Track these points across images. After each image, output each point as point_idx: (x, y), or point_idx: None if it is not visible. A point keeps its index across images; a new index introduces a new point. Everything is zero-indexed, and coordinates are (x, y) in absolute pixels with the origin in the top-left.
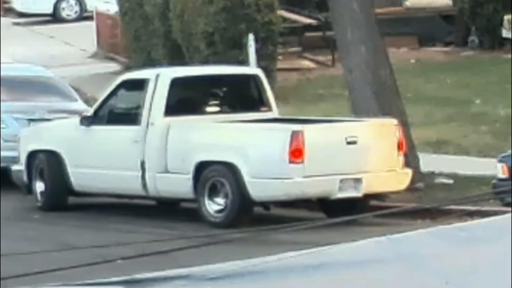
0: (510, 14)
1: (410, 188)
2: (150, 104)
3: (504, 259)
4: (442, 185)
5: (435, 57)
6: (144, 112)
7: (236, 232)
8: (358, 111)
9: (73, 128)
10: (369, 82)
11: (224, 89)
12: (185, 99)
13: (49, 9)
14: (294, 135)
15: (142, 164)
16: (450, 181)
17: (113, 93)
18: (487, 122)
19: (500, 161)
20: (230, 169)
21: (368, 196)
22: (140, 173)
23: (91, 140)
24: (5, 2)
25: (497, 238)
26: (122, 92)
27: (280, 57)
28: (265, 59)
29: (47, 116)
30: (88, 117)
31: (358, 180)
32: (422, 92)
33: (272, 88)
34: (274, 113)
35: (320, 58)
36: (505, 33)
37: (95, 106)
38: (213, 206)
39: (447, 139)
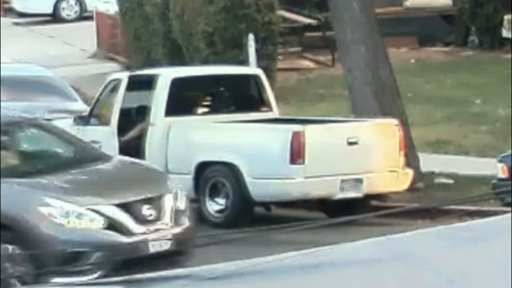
0: (510, 14)
1: (410, 188)
2: (120, 105)
3: (504, 259)
4: (442, 185)
5: (435, 57)
6: (114, 113)
7: (236, 232)
8: (358, 111)
9: (72, 128)
10: (369, 82)
11: (225, 89)
12: (186, 99)
13: (49, 9)
14: (295, 135)
15: None
16: (450, 181)
17: (102, 93)
18: (487, 122)
19: (500, 161)
20: (231, 170)
21: (369, 197)
22: None
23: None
24: (5, 2)
25: (497, 238)
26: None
27: (280, 57)
28: (265, 59)
29: (47, 116)
30: (82, 117)
31: (359, 181)
32: (422, 92)
33: (272, 88)
34: (275, 113)
35: (320, 58)
36: (505, 33)
37: (91, 106)
38: (214, 206)
39: (447, 139)
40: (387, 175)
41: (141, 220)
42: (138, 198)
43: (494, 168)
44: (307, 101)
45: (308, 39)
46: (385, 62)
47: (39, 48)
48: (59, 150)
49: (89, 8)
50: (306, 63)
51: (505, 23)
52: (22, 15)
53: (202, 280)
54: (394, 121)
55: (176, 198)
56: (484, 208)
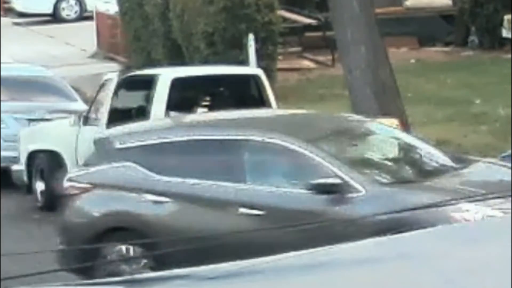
0: (510, 14)
1: None
2: (110, 105)
3: (504, 259)
4: None
5: (435, 57)
6: (101, 113)
7: (237, 233)
8: (358, 111)
9: (72, 128)
10: (369, 82)
11: (225, 89)
12: (186, 99)
13: (49, 9)
14: None
15: None
16: None
17: (100, 93)
18: (487, 122)
19: (500, 161)
20: None
21: None
22: None
23: (89, 139)
24: (5, 2)
25: (497, 238)
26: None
27: (280, 57)
28: (265, 59)
29: (47, 116)
30: (84, 117)
31: None
32: (422, 92)
33: (272, 88)
34: None
35: (320, 58)
36: (505, 33)
37: (89, 106)
38: None
39: (447, 139)
40: None
41: None
42: None
43: None
44: (307, 101)
45: (308, 39)
46: (385, 62)
47: (39, 48)
48: (417, 153)
49: (89, 8)
50: (306, 63)
51: (505, 23)
52: (22, 15)
53: (202, 280)
54: (395, 121)
55: None
56: None
